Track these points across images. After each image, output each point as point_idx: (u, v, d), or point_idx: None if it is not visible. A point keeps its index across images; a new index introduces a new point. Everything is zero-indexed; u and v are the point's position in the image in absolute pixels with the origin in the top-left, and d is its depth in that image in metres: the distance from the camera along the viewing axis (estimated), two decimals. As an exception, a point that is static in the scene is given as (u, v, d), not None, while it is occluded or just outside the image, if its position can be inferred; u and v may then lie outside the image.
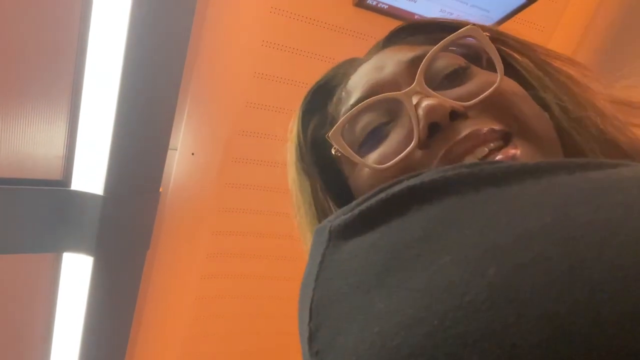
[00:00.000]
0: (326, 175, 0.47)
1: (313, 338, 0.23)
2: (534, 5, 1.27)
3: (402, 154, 0.37)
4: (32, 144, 1.18)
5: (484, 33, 0.39)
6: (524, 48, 0.43)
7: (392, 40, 0.48)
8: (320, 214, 0.45)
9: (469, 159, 0.35)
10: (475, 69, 0.41)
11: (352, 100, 0.42)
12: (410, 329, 0.19)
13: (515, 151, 0.34)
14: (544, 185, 0.22)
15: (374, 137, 0.40)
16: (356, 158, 0.39)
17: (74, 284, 1.41)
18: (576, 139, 0.39)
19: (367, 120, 0.40)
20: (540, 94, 0.40)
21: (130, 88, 1.15)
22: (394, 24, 0.48)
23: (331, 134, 0.40)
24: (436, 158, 0.35)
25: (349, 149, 0.40)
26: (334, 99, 0.46)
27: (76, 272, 1.38)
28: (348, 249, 0.24)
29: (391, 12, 1.25)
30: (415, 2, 1.24)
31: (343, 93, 0.45)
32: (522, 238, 0.19)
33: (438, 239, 0.21)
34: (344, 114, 0.42)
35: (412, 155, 0.36)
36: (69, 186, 1.27)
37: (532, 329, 0.17)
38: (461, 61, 0.41)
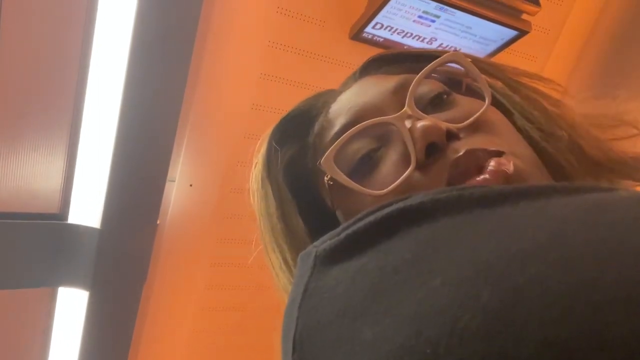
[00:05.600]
0: (302, 202, 0.46)
1: None
2: (526, 37, 1.29)
3: (401, 178, 0.36)
4: (29, 177, 1.18)
5: (467, 59, 0.39)
6: (494, 69, 0.43)
7: (367, 70, 0.48)
8: (295, 240, 0.44)
9: (470, 183, 0.34)
10: (456, 95, 0.41)
11: (336, 128, 0.41)
12: (400, 358, 0.18)
13: (507, 162, 0.33)
14: (537, 207, 0.21)
15: (364, 164, 0.39)
16: (354, 186, 0.38)
17: (69, 319, 1.38)
18: (550, 152, 0.39)
19: (356, 147, 0.39)
20: (514, 117, 0.41)
21: (129, 120, 1.15)
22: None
23: (323, 162, 0.39)
24: (436, 179, 0.35)
25: (346, 177, 0.38)
26: (316, 128, 0.45)
27: (71, 306, 1.36)
28: (333, 275, 0.23)
29: (386, 45, 1.27)
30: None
31: (325, 122, 0.44)
32: (517, 258, 0.18)
33: (428, 261, 0.20)
34: (330, 142, 0.41)
35: (410, 178, 0.36)
36: (66, 219, 1.26)
37: (533, 355, 0.16)
38: (443, 87, 0.41)
